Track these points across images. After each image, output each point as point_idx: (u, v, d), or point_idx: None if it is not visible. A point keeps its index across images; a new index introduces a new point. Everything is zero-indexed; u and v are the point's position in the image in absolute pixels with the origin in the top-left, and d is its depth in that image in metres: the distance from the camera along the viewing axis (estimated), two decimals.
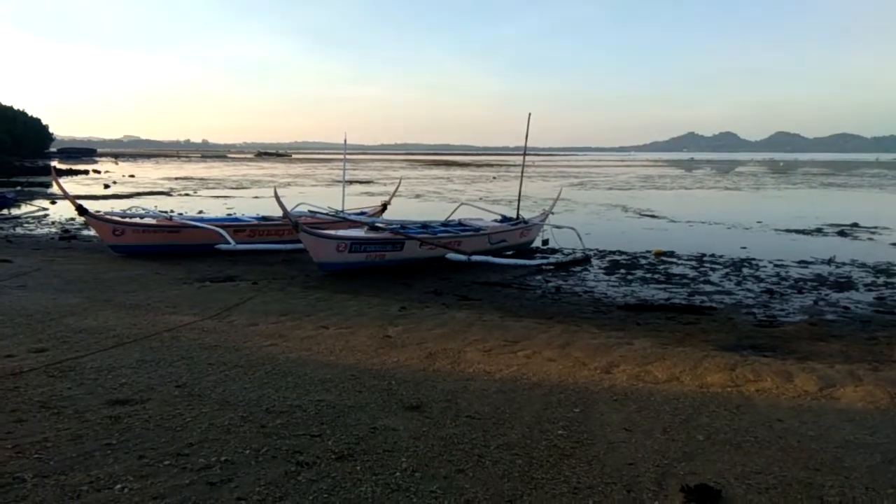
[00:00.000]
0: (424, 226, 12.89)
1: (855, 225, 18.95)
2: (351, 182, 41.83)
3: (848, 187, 40.98)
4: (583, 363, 5.76)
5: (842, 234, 17.29)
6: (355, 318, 7.41)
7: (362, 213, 15.28)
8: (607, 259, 12.90)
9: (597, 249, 13.95)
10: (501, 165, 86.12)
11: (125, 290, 8.59)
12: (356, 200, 24.14)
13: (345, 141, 15.29)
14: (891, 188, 40.09)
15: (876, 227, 18.44)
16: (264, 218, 14.09)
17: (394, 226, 12.03)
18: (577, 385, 5.09)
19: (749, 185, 43.67)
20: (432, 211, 21.35)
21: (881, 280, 10.88)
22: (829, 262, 12.66)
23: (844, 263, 12.48)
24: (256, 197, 29.07)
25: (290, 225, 10.39)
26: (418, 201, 28.05)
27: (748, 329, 7.64)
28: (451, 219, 14.25)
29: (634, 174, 61.30)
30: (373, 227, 11.64)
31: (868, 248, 14.73)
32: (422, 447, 3.79)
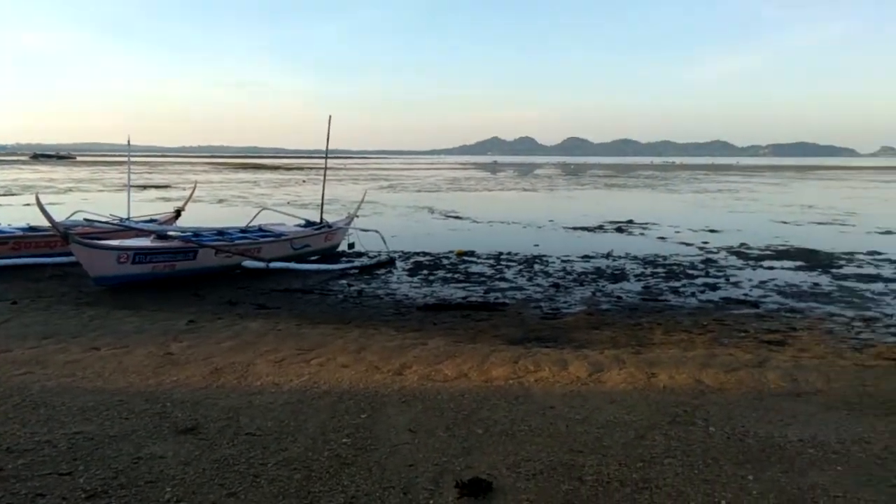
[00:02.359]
0: (221, 232, 12.22)
1: (630, 221, 21.14)
2: (145, 187, 38.69)
3: (626, 188, 45.74)
4: (376, 367, 5.75)
5: (619, 230, 19.19)
6: (134, 335, 6.78)
7: (152, 221, 14.14)
8: (412, 260, 13.13)
9: (402, 251, 14.14)
10: (312, 168, 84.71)
11: None
12: (149, 207, 22.34)
13: (128, 142, 14.07)
14: (660, 188, 45.38)
15: (647, 223, 20.71)
16: (32, 228, 12.49)
17: (186, 234, 11.26)
18: (367, 390, 5.06)
19: (544, 186, 47.09)
20: (236, 217, 20.34)
21: (648, 271, 12.19)
22: (608, 256, 13.96)
23: (620, 257, 13.82)
24: (28, 204, 25.77)
25: (60, 235, 9.30)
26: (221, 207, 26.63)
27: (534, 322, 8.15)
28: (251, 224, 13.67)
29: (442, 177, 63.42)
30: (162, 236, 10.80)
31: (640, 242, 16.46)
32: (191, 473, 3.51)
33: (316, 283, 10.75)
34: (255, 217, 14.15)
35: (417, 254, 13.96)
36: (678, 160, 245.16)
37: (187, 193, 18.73)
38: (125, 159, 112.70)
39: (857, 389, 5.26)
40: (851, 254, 14.18)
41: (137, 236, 11.13)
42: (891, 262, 13.16)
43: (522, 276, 11.59)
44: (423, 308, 8.95)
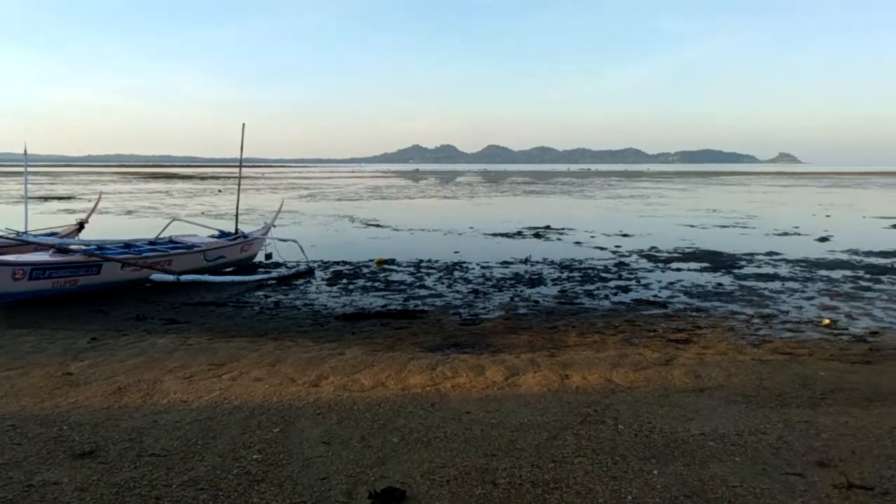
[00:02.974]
0: (128, 245, 11.68)
1: (548, 227, 21.64)
2: (46, 198, 36.58)
3: (544, 194, 46.82)
4: (292, 379, 5.63)
5: (537, 235, 19.60)
6: (30, 355, 6.38)
7: (52, 234, 13.38)
8: (331, 270, 12.96)
9: (321, 261, 13.94)
10: (229, 178, 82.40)
11: None
12: (50, 219, 21.15)
13: (25, 151, 13.24)
14: (577, 194, 46.71)
15: (564, 229, 21.26)
16: None
17: (90, 247, 10.70)
18: (281, 403, 4.95)
19: (465, 193, 47.55)
20: (145, 228, 19.50)
21: (565, 275, 12.50)
22: (526, 261, 14.23)
23: (538, 262, 14.11)
24: None
25: None
26: (129, 218, 25.48)
27: (453, 329, 8.20)
28: (161, 236, 13.14)
29: (364, 185, 63.04)
30: (62, 250, 10.22)
31: (557, 247, 16.87)
32: (88, 499, 3.33)
33: (231, 295, 10.44)
34: (165, 228, 13.61)
35: (337, 263, 13.79)
36: (594, 167, 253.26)
37: (92, 205, 17.83)
38: (20, 170, 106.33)
39: (754, 383, 5.56)
40: (752, 255, 15.02)
41: (36, 250, 10.50)
42: (787, 261, 14.02)
43: (442, 283, 11.65)
44: (342, 318, 8.85)
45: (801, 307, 9.57)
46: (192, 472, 3.67)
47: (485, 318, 8.94)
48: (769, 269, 12.98)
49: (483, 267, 13.41)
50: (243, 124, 14.65)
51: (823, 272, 12.58)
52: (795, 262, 13.82)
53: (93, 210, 16.11)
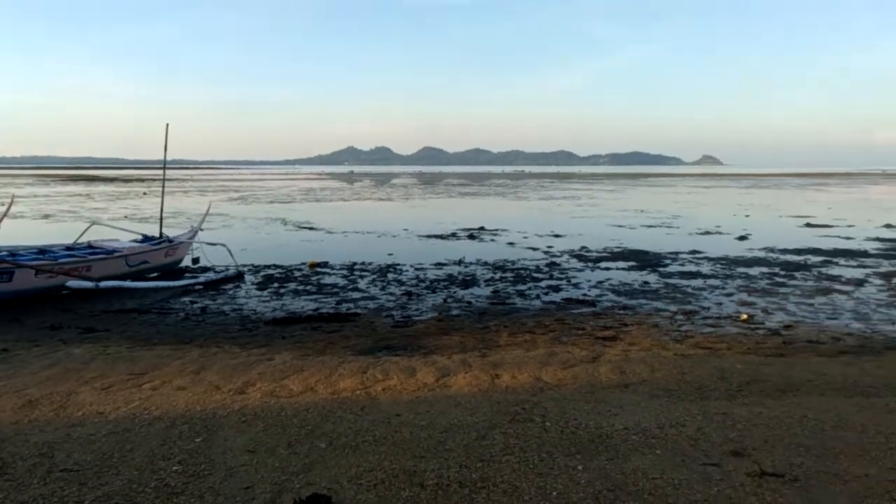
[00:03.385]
0: (43, 251, 11.12)
1: (482, 228, 21.82)
2: None
3: (479, 196, 47.22)
4: (216, 387, 5.47)
5: (471, 237, 19.74)
6: None
7: None
8: (262, 274, 12.68)
9: (252, 265, 13.63)
10: (155, 180, 79.59)
11: None
12: None
13: None
14: (510, 196, 47.32)
15: (498, 230, 21.49)
16: None
17: (2, 253, 10.12)
18: (205, 412, 4.79)
19: (400, 195, 47.45)
20: (63, 233, 18.58)
21: (498, 275, 12.63)
22: (460, 262, 14.31)
23: (471, 263, 14.21)
24: None
25: None
26: (46, 223, 24.28)
27: (385, 331, 8.15)
28: (79, 241, 12.55)
29: (297, 187, 62.03)
30: None
31: (491, 248, 17.04)
32: None
33: (154, 301, 10.07)
34: (84, 233, 13.02)
35: (268, 267, 13.51)
36: (527, 169, 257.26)
37: (3, 209, 16.89)
38: None
39: (676, 377, 5.75)
40: (676, 253, 15.56)
41: None
42: (709, 259, 14.59)
43: (375, 285, 11.58)
44: (272, 322, 8.67)
45: (721, 303, 9.97)
46: (106, 488, 3.51)
47: (418, 319, 8.93)
48: (692, 267, 13.47)
49: (417, 269, 13.40)
50: (167, 124, 14.21)
51: (742, 269, 13.15)
52: (717, 260, 14.40)
53: (4, 214, 15.20)
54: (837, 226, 22.60)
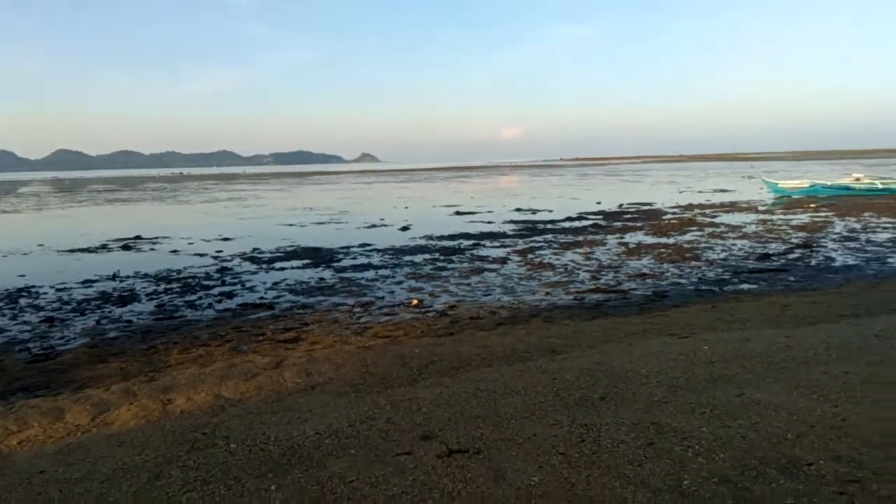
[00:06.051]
0: None
1: (138, 237, 19.67)
2: None
3: (132, 202, 42.77)
4: None
5: (126, 247, 17.64)
6: None
7: None
8: None
9: None
10: None
11: None
12: None
13: None
14: (169, 200, 43.83)
15: (157, 237, 19.59)
16: None
17: None
18: None
19: (31, 206, 40.52)
20: None
21: (162, 287, 11.42)
22: (114, 277, 12.62)
23: (129, 276, 12.64)
24: None
25: None
26: None
27: (19, 369, 6.71)
28: None
29: None
30: None
31: (151, 258, 15.42)
32: None
33: None
34: None
35: None
36: (186, 171, 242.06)
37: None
38: None
39: (361, 371, 5.75)
40: (348, 247, 15.97)
41: None
42: (378, 251, 15.27)
43: (3, 314, 9.54)
44: None
45: (393, 292, 10.45)
46: None
47: (63, 349, 7.55)
48: (364, 260, 13.94)
49: (59, 289, 11.43)
50: None
51: (408, 258, 14.03)
52: (385, 251, 15.14)
53: None
54: (480, 212, 25.70)
